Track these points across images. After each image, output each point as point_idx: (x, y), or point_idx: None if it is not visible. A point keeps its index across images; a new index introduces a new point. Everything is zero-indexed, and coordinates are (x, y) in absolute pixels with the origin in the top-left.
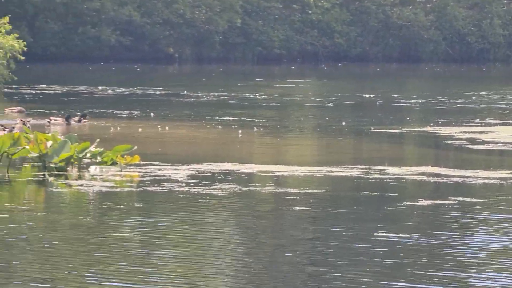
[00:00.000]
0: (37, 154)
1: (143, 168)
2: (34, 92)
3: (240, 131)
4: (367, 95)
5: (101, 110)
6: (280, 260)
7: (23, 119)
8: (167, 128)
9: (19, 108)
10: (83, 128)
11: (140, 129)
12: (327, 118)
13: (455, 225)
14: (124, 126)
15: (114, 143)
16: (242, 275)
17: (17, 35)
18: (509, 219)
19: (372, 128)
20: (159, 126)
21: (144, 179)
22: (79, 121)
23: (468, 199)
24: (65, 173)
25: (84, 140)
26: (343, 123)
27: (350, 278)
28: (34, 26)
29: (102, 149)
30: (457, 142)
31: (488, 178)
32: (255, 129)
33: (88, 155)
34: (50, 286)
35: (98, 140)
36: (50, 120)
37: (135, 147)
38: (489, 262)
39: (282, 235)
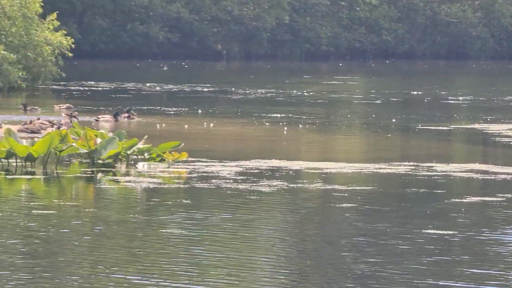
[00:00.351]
0: (85, 151)
1: (190, 165)
2: (82, 88)
3: (285, 128)
4: (415, 92)
5: (149, 107)
6: (327, 257)
7: (68, 113)
8: (211, 125)
9: (67, 104)
10: (131, 125)
11: (186, 126)
12: (373, 115)
13: (503, 223)
14: (171, 122)
15: (162, 140)
16: (289, 271)
17: (65, 32)
18: None
19: (419, 125)
20: (204, 123)
21: (192, 175)
22: (128, 117)
23: None
24: (113, 170)
25: (132, 137)
26: (394, 120)
27: (396, 275)
28: (82, 22)
29: (150, 145)
30: (505, 139)
31: None
32: (300, 126)
33: (136, 151)
34: (97, 281)
35: (146, 136)
36: (98, 118)
37: (183, 144)
38: None
39: (329, 232)
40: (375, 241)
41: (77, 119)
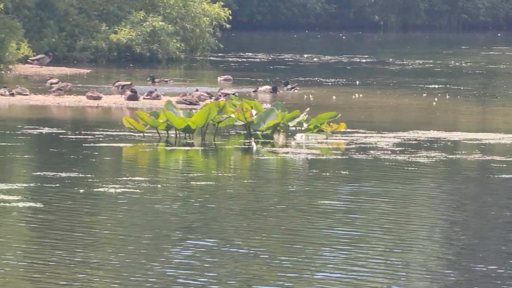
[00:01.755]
0: (243, 122)
1: (348, 136)
2: (240, 60)
3: (436, 99)
4: None
5: (307, 78)
6: (486, 229)
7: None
8: (360, 95)
9: (225, 76)
10: (289, 96)
11: (334, 97)
12: None
13: None
14: (328, 93)
15: (319, 111)
16: (443, 243)
17: (222, 3)
18: None
19: None
20: (355, 94)
21: (350, 146)
22: (292, 89)
23: None
24: (271, 141)
25: (289, 108)
26: None
27: None
28: None
29: (307, 116)
30: None
31: None
32: (456, 96)
33: (294, 122)
34: (251, 251)
35: (308, 109)
36: (256, 89)
37: (340, 115)
38: None
39: (488, 203)
40: None
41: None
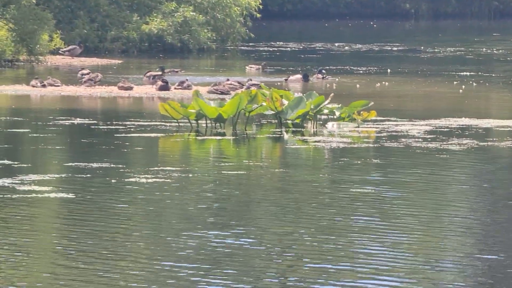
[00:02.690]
0: (273, 111)
1: (380, 124)
2: (271, 49)
3: (463, 86)
4: None
5: (338, 67)
6: None
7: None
8: (386, 83)
9: (257, 66)
10: (321, 85)
11: (358, 86)
12: None
13: None
14: (359, 82)
15: (351, 99)
16: (477, 231)
17: None
18: None
19: None
20: (381, 82)
21: (381, 135)
22: (323, 78)
23: None
24: (302, 130)
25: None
26: None
27: None
28: None
29: (339, 105)
30: None
31: None
32: (486, 84)
33: (326, 111)
34: (277, 241)
35: (332, 94)
36: (287, 78)
37: (372, 103)
38: None
39: None
40: None
41: (266, 70)
